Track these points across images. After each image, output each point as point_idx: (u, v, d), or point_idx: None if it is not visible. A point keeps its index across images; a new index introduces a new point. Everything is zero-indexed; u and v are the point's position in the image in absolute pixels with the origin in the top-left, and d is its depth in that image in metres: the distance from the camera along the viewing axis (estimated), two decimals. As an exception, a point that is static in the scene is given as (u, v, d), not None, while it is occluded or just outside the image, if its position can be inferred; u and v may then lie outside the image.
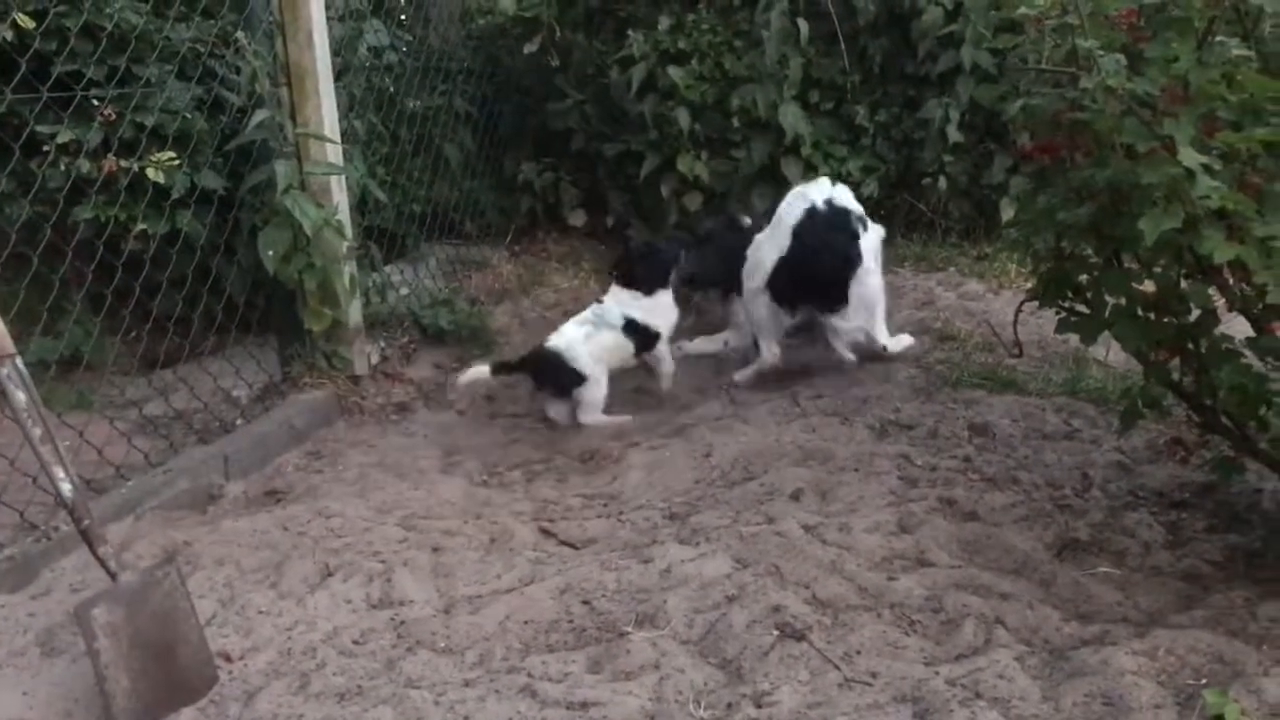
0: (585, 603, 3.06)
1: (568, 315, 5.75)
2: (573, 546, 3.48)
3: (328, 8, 4.63)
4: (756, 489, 3.78)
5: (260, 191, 4.43)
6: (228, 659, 2.83)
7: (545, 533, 3.57)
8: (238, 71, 4.38)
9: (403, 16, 6.20)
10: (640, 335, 4.75)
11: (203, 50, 4.48)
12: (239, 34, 4.22)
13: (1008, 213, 5.81)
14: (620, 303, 4.75)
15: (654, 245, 5.06)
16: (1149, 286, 3.08)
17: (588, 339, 4.65)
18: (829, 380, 4.70)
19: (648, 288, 4.76)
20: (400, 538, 3.50)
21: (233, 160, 4.56)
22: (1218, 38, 2.71)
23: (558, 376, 4.60)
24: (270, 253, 4.29)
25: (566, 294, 6.05)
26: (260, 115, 4.25)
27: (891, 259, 6.17)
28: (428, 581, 3.23)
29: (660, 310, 4.80)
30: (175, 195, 4.37)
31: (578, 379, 4.58)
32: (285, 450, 4.26)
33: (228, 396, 4.48)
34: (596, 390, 4.61)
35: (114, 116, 4.28)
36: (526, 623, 2.98)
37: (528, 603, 3.06)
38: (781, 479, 3.81)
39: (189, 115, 4.48)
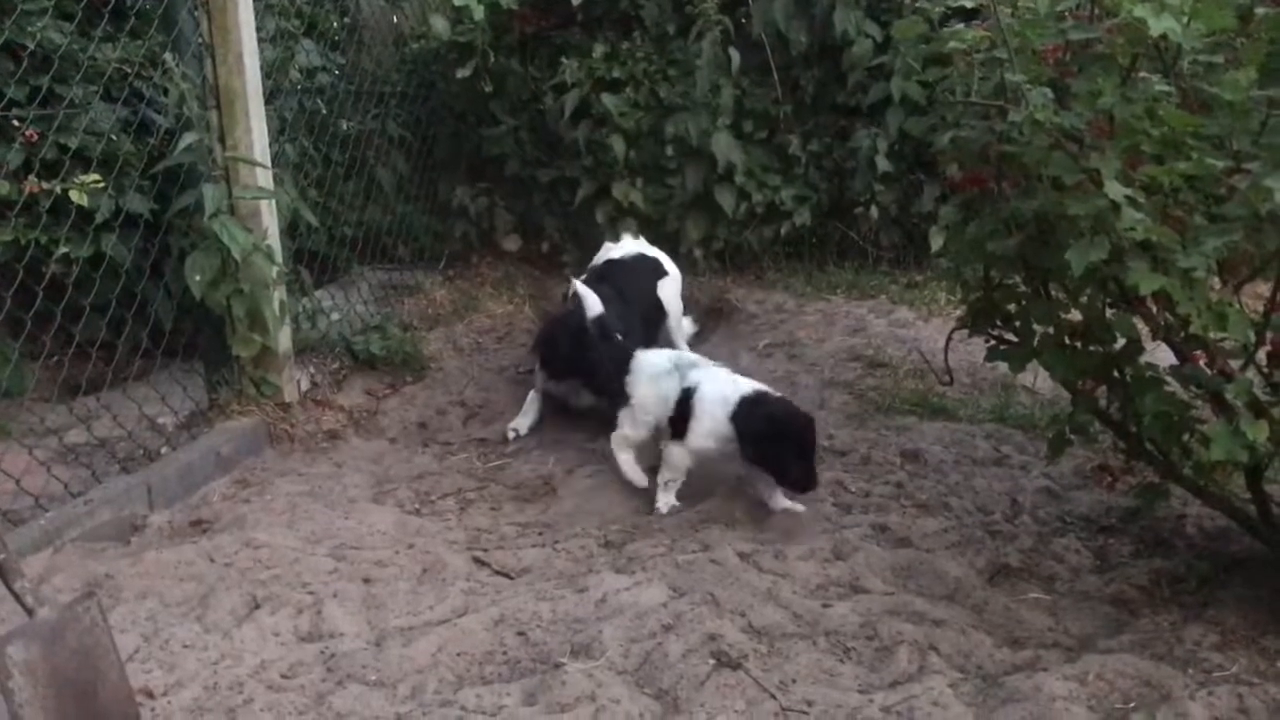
0: (520, 634, 3.02)
1: (501, 341, 5.78)
2: (507, 576, 3.44)
3: (259, 30, 4.57)
4: (692, 516, 3.78)
5: (188, 215, 4.33)
6: (150, 696, 2.75)
7: (479, 562, 3.53)
8: (165, 93, 4.29)
9: (336, 39, 6.13)
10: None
11: (129, 71, 4.39)
12: (167, 55, 4.14)
13: (937, 241, 5.89)
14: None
15: None
16: (1075, 316, 3.15)
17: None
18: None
19: None
20: (330, 568, 3.43)
21: (160, 183, 4.46)
22: (1141, 74, 2.78)
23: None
24: (198, 278, 4.20)
25: (501, 320, 6.02)
26: (188, 138, 4.16)
27: (824, 287, 6.25)
28: (358, 613, 3.17)
29: None
30: (100, 219, 4.26)
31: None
32: (212, 479, 4.16)
33: (153, 424, 4.37)
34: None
35: (36, 137, 4.18)
36: (460, 655, 2.94)
37: (461, 634, 3.01)
38: (717, 506, 3.81)
39: (114, 137, 4.39)
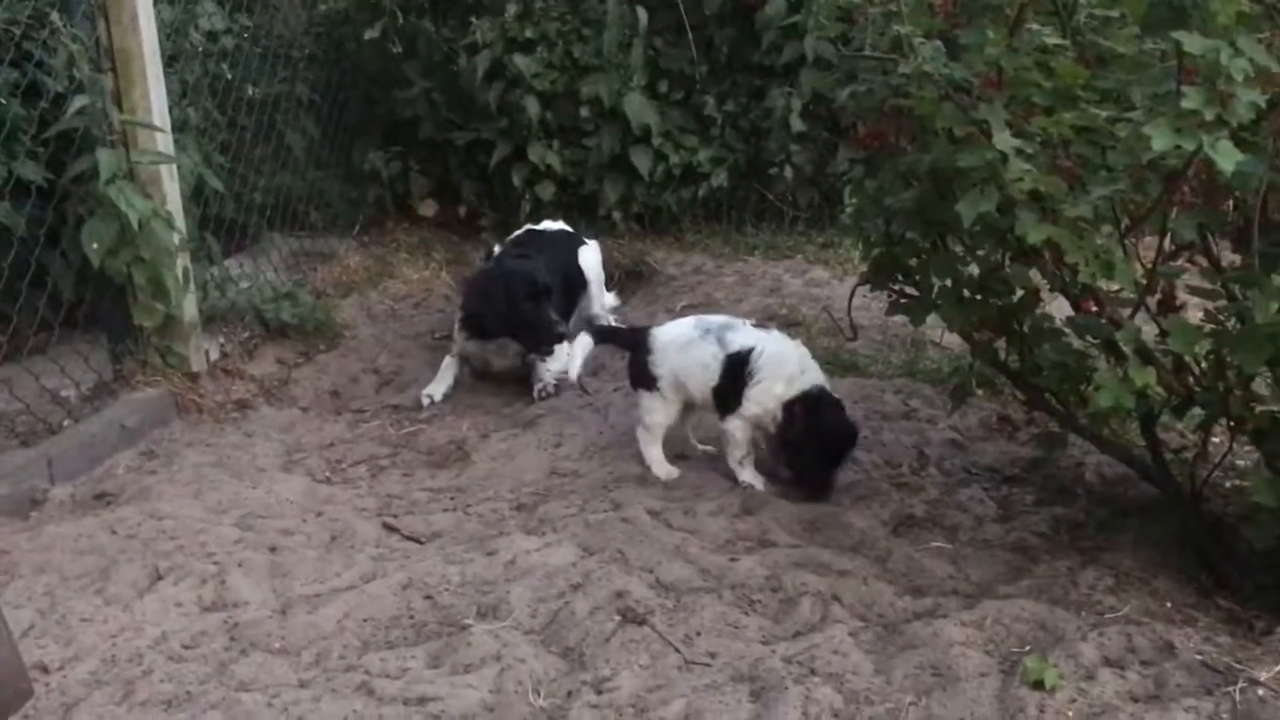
0: (427, 597, 3.02)
1: (417, 307, 5.72)
2: (417, 541, 3.42)
3: (156, -10, 4.44)
4: (605, 477, 3.79)
5: (84, 182, 4.21)
6: (45, 671, 2.70)
7: (389, 528, 3.50)
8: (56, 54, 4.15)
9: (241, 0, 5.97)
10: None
11: (16, 32, 4.23)
12: (54, 15, 4.01)
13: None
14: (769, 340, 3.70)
15: None
16: (975, 269, 3.19)
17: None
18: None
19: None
20: (236, 538, 3.39)
21: (55, 149, 4.32)
22: (1033, 26, 2.80)
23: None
24: (95, 246, 4.09)
25: (416, 285, 5.95)
26: (80, 101, 4.03)
27: (742, 248, 6.27)
28: (264, 582, 3.13)
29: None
30: (-10, 186, 4.13)
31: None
32: (116, 451, 4.07)
33: (54, 397, 4.26)
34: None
35: (-83, 101, 4.03)
36: (366, 620, 2.92)
37: (368, 600, 3.00)
38: (629, 466, 3.82)
39: (3, 100, 4.23)
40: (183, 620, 2.95)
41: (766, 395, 3.59)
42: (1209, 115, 2.29)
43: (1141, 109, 2.48)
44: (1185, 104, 2.28)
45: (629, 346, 3.96)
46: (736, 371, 3.63)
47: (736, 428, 3.65)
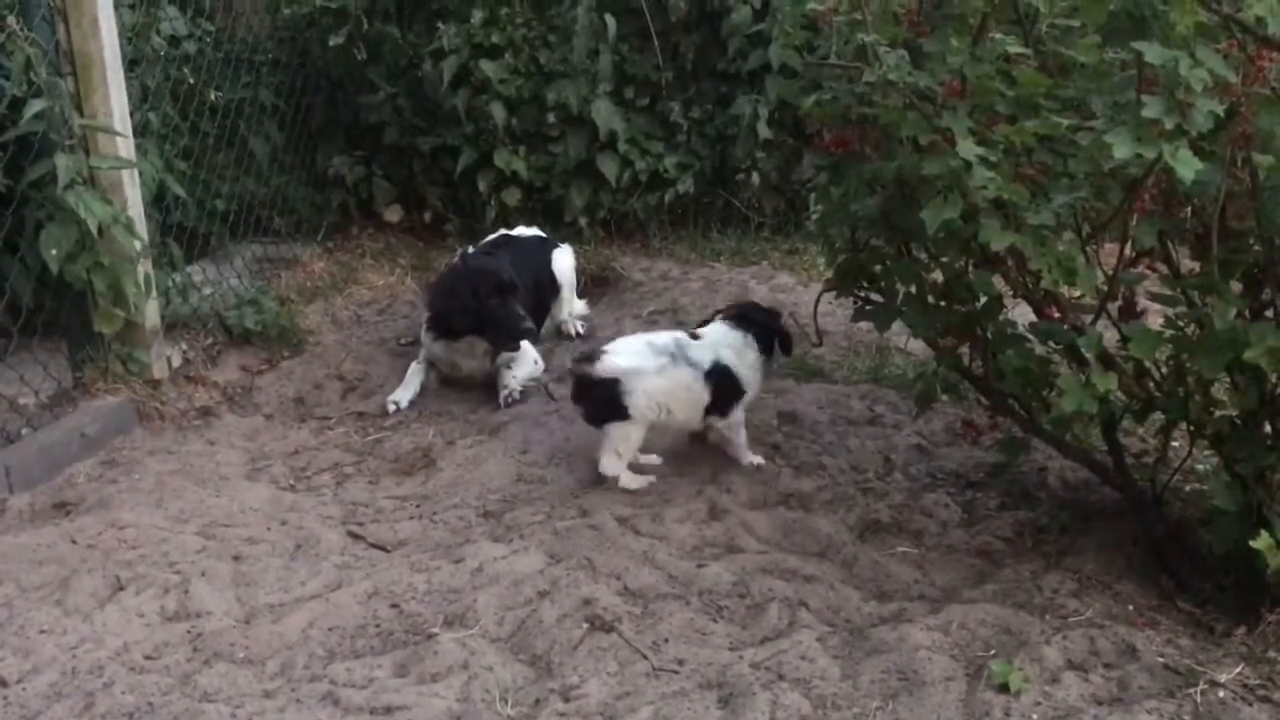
0: (394, 606, 3.00)
1: (382, 314, 5.69)
2: (383, 549, 3.40)
3: (117, -6, 4.40)
4: (572, 483, 3.79)
5: (43, 187, 4.15)
6: (4, 684, 2.67)
7: (354, 536, 3.48)
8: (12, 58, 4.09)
9: (203, 5, 5.92)
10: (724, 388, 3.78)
11: (-28, 36, 4.17)
12: (10, 18, 3.95)
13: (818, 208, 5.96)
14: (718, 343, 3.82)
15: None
16: (939, 276, 3.21)
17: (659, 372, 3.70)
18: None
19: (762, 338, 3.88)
20: (199, 547, 3.36)
21: (13, 153, 4.26)
22: (996, 35, 2.83)
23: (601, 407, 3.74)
24: (54, 251, 4.03)
25: (381, 291, 5.91)
26: (36, 105, 3.98)
27: (708, 254, 6.29)
28: (227, 591, 3.11)
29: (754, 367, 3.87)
30: (-54, 190, 4.07)
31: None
32: (76, 460, 4.02)
33: (12, 404, 4.20)
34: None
35: None
36: (331, 629, 2.91)
37: (333, 609, 2.98)
38: (597, 473, 3.81)
39: (-44, 105, 4.17)
40: (144, 631, 2.92)
41: (751, 375, 3.83)
42: (1169, 124, 2.32)
43: (1103, 117, 2.52)
44: (1146, 113, 2.31)
45: (595, 382, 3.73)
46: (723, 379, 3.76)
47: (738, 418, 3.83)
